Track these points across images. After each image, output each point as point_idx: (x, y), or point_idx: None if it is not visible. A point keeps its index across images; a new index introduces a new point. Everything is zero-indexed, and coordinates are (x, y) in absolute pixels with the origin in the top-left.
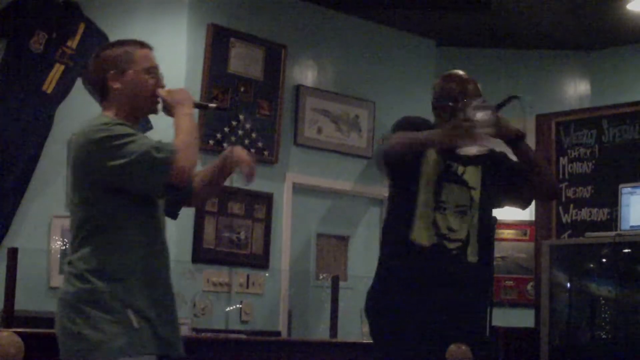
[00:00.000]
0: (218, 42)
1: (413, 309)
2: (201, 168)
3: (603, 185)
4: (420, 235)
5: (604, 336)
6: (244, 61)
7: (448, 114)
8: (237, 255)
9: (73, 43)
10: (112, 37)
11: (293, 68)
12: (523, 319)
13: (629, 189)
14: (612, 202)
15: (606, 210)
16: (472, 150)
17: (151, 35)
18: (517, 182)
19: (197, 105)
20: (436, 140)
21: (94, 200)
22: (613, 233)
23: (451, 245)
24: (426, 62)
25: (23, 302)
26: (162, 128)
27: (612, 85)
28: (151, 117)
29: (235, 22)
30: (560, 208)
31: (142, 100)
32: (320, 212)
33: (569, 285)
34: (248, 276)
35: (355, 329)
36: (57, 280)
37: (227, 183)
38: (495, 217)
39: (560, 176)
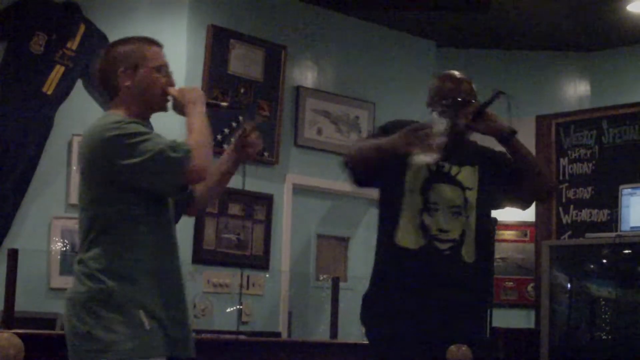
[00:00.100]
0: (218, 43)
1: (406, 313)
2: None
3: (603, 186)
4: (407, 238)
5: (604, 337)
6: (244, 62)
7: (440, 114)
8: (237, 256)
9: (73, 44)
10: (112, 39)
11: (293, 69)
12: (523, 319)
13: (629, 190)
14: (612, 203)
15: (606, 211)
16: (423, 158)
17: (151, 36)
18: (516, 181)
19: (209, 104)
20: (391, 146)
21: (106, 199)
22: (613, 234)
23: (442, 246)
24: (426, 63)
25: (23, 303)
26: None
27: (612, 86)
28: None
29: (235, 23)
30: (561, 209)
31: (152, 98)
32: (321, 213)
33: (569, 286)
34: (248, 277)
35: (355, 330)
36: (57, 281)
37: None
38: (495, 218)
39: (561, 177)
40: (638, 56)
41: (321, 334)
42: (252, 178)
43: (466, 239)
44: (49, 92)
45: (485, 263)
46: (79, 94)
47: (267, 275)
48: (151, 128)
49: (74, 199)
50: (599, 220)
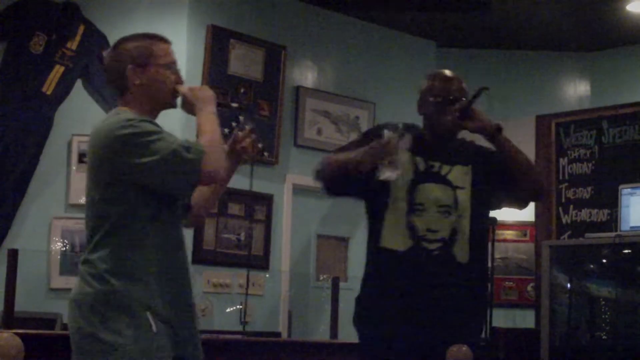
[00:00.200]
0: (218, 43)
1: (397, 315)
2: None
3: (603, 186)
4: (394, 240)
5: (604, 337)
6: (243, 62)
7: (432, 112)
8: (237, 256)
9: (73, 44)
10: (112, 39)
11: (293, 69)
12: (523, 319)
13: (629, 190)
14: (612, 203)
15: (606, 211)
16: (388, 175)
17: None
18: (508, 180)
19: (219, 105)
20: (356, 163)
21: (115, 197)
22: (613, 234)
23: (431, 246)
24: (426, 63)
25: (23, 304)
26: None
27: (612, 86)
28: None
29: (235, 23)
30: (560, 209)
31: (162, 96)
32: (321, 213)
33: (569, 286)
34: (248, 277)
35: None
36: (58, 282)
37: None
38: (495, 218)
39: (560, 177)
40: (638, 56)
41: (321, 334)
42: (253, 178)
43: (458, 239)
44: (49, 92)
45: (480, 264)
46: (79, 94)
47: (267, 275)
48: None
49: (74, 199)
50: (599, 220)
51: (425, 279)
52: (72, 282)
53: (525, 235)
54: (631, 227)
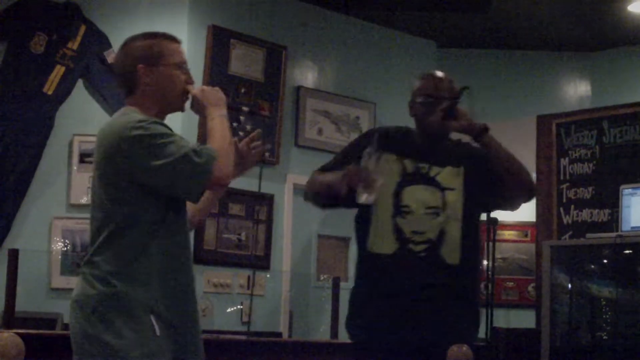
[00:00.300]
0: (218, 43)
1: (386, 318)
2: None
3: (604, 186)
4: (380, 243)
5: (604, 337)
6: (244, 62)
7: (419, 113)
8: (238, 256)
9: (74, 44)
10: (113, 39)
11: (293, 69)
12: (524, 319)
13: (630, 190)
14: (613, 203)
15: (607, 211)
16: (362, 198)
17: None
18: (498, 181)
19: (230, 107)
20: (334, 187)
21: (122, 198)
22: (614, 234)
23: (417, 248)
24: (427, 63)
25: (24, 303)
26: None
27: (612, 86)
28: None
29: (235, 24)
30: (561, 209)
31: (172, 96)
32: (321, 213)
33: (569, 286)
34: (249, 277)
35: None
36: (58, 282)
37: None
38: (495, 218)
39: (561, 177)
40: (639, 56)
41: (322, 334)
42: (252, 178)
43: (446, 240)
44: (50, 92)
45: (472, 265)
46: (80, 94)
47: (268, 276)
48: None
49: (75, 199)
50: (600, 220)
51: (412, 281)
52: (72, 282)
53: (526, 235)
54: (632, 228)
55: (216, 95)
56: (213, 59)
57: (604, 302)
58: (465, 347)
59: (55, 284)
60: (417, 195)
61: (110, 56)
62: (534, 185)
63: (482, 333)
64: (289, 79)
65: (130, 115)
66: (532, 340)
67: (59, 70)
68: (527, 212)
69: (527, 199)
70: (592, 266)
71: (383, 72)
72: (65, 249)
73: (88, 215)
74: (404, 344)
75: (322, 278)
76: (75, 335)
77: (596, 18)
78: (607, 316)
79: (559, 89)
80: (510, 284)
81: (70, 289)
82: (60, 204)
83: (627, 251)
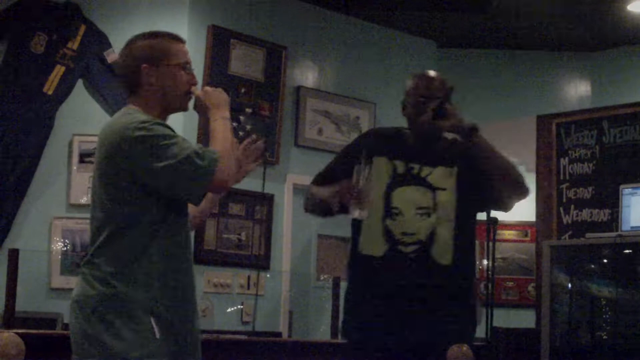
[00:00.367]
0: (218, 43)
1: (378, 320)
2: None
3: (604, 186)
4: (371, 246)
5: (604, 337)
6: (244, 62)
7: (411, 113)
8: (238, 256)
9: (74, 44)
10: (113, 39)
11: (294, 69)
12: (524, 319)
13: (630, 190)
14: (613, 203)
15: (607, 211)
16: (355, 213)
17: None
18: (487, 180)
19: (233, 109)
20: (325, 204)
21: (123, 199)
22: (614, 234)
23: (407, 249)
24: (427, 63)
25: (24, 303)
26: None
27: (612, 86)
28: None
29: (235, 24)
30: (561, 209)
31: (175, 97)
32: None
33: (569, 286)
34: (249, 277)
35: None
36: (58, 281)
37: None
38: (496, 218)
39: (561, 177)
40: (639, 56)
41: (322, 333)
42: (252, 178)
43: (437, 241)
44: (50, 92)
45: (465, 265)
46: (80, 94)
47: (268, 275)
48: None
49: (75, 199)
50: (600, 220)
51: (403, 282)
52: (72, 282)
53: (526, 235)
54: (632, 227)
55: (219, 96)
56: (213, 59)
57: (604, 302)
58: (465, 347)
59: (55, 284)
60: (407, 196)
61: (110, 56)
62: (525, 185)
63: (482, 333)
64: (289, 79)
65: (132, 115)
66: (532, 340)
67: (59, 70)
68: (527, 212)
69: (519, 198)
70: (592, 266)
71: (383, 72)
72: (65, 249)
73: (88, 215)
74: (397, 345)
75: (322, 278)
76: (75, 336)
77: (596, 18)
78: (607, 316)
79: (559, 89)
80: (510, 283)
81: (70, 289)
82: (60, 204)
83: (627, 251)
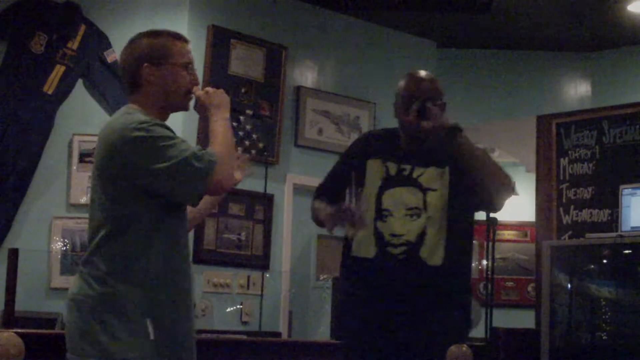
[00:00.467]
0: (218, 43)
1: (369, 322)
2: None
3: (604, 186)
4: (362, 248)
5: (604, 337)
6: (244, 62)
7: (399, 114)
8: (237, 256)
9: (74, 44)
10: (113, 39)
11: (293, 69)
12: (524, 319)
13: (630, 190)
14: (613, 203)
15: (607, 211)
16: (350, 233)
17: None
18: (474, 181)
19: (232, 109)
20: (322, 223)
21: (122, 199)
22: (614, 234)
23: (396, 251)
24: (427, 63)
25: (23, 303)
26: None
27: (612, 86)
28: None
29: (235, 24)
30: (561, 209)
31: (175, 97)
32: None
33: (569, 286)
34: (249, 277)
35: None
36: (58, 281)
37: None
38: (495, 218)
39: (561, 177)
40: (639, 56)
41: (321, 333)
42: (252, 178)
43: (426, 241)
44: (50, 92)
45: (458, 265)
46: (80, 93)
47: (268, 275)
48: None
49: (75, 198)
50: (600, 220)
51: (392, 283)
52: (75, 281)
53: (525, 235)
54: (632, 228)
55: (220, 97)
56: (213, 59)
57: (604, 302)
58: (464, 347)
59: (55, 283)
60: (397, 197)
61: (110, 56)
62: (510, 186)
63: (482, 333)
64: (289, 79)
65: (132, 115)
66: (532, 341)
67: (59, 70)
68: (527, 212)
69: (506, 198)
70: (592, 266)
71: (383, 72)
72: (65, 248)
73: (88, 215)
74: (390, 346)
75: (321, 278)
76: (71, 334)
77: (596, 18)
78: (607, 316)
79: (559, 89)
80: (510, 284)
81: None
82: (60, 204)
83: (626, 251)
